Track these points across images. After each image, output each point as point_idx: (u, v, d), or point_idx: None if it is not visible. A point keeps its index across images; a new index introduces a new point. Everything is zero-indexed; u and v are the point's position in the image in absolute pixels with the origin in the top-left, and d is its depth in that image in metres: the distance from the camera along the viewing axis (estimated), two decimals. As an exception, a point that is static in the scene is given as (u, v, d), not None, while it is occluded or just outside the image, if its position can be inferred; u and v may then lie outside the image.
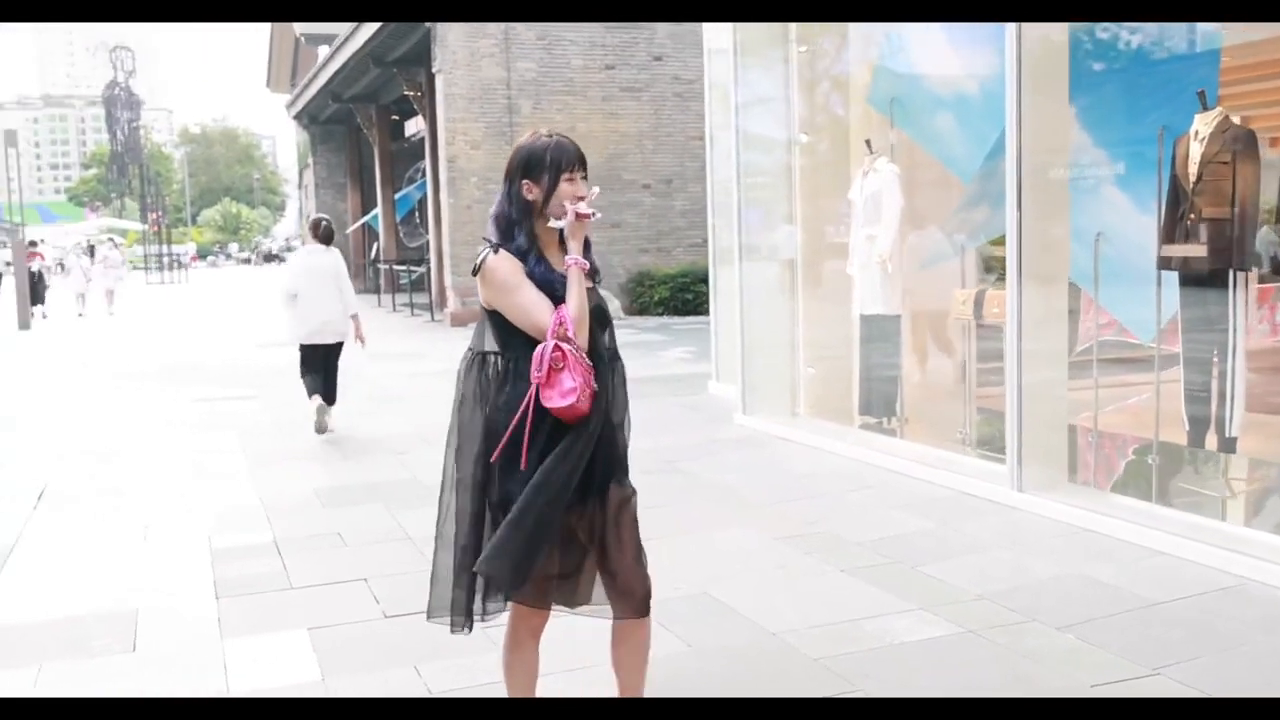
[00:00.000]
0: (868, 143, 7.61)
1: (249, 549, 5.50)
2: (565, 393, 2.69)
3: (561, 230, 2.83)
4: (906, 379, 7.69)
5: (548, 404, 2.70)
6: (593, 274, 2.89)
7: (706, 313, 10.48)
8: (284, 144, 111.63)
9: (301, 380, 8.79)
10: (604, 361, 2.85)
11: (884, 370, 7.79)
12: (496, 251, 2.81)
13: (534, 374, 2.71)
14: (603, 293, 3.03)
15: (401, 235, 27.16)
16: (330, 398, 8.70)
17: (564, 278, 2.79)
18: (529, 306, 2.76)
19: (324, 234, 8.70)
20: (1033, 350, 5.83)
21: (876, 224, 7.49)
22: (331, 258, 8.63)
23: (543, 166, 2.80)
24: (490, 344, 2.84)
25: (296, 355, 8.85)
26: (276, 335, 9.59)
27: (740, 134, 8.55)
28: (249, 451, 8.14)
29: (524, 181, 2.81)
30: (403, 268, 23.92)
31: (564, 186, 2.79)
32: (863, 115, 8.01)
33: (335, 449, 8.17)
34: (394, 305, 23.30)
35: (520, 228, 2.81)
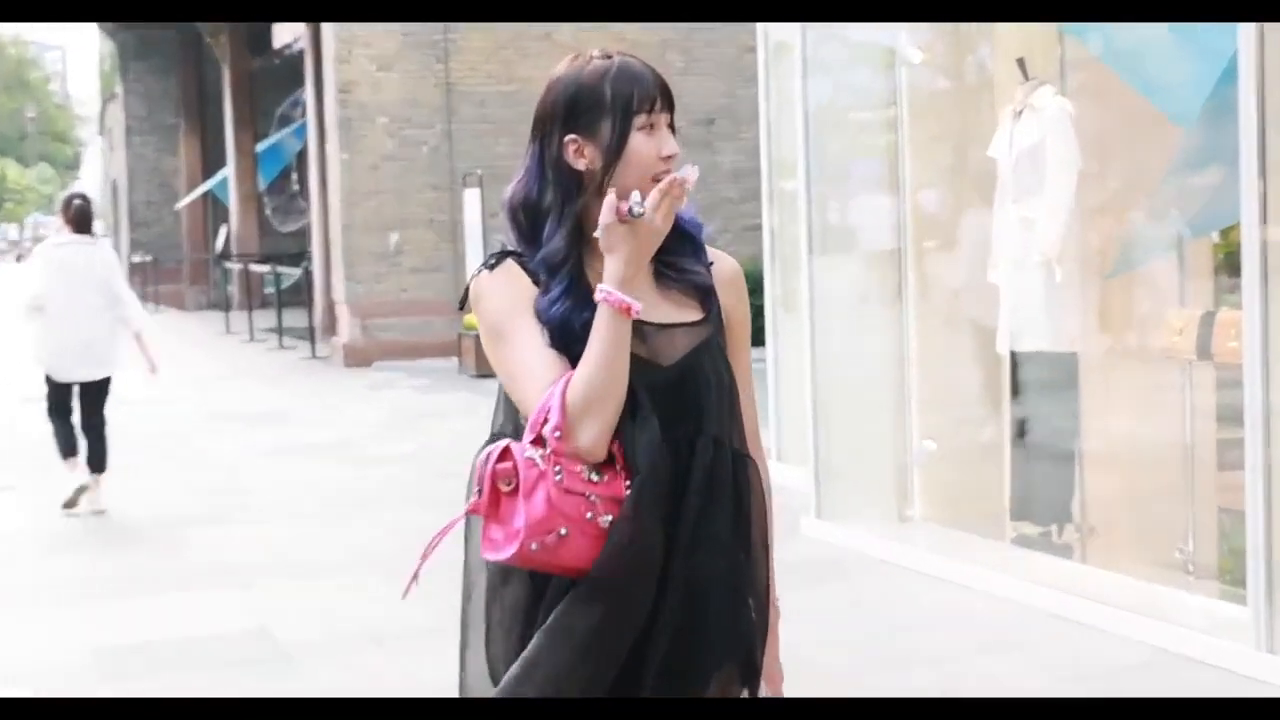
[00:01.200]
0: (1020, 63, 7.64)
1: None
2: (505, 538, 2.55)
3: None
4: (1089, 461, 7.68)
5: (483, 552, 2.62)
6: (703, 297, 2.76)
7: (764, 341, 10.51)
8: (80, 61, 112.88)
9: (51, 429, 9.71)
10: (666, 469, 2.63)
11: (1053, 446, 7.79)
12: (494, 266, 2.72)
13: (470, 497, 2.63)
14: None
15: (269, 212, 27.51)
16: (100, 462, 9.70)
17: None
18: (518, 369, 2.65)
19: (77, 216, 9.69)
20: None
21: (1038, 197, 7.51)
22: (95, 252, 9.69)
23: (600, 108, 2.66)
24: (503, 419, 2.77)
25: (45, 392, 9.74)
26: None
27: (809, 48, 8.62)
28: (-10, 583, 8.22)
29: (567, 139, 2.68)
30: (268, 267, 24.13)
31: (639, 142, 2.66)
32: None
33: (131, 577, 8.22)
34: (251, 331, 23.52)
35: (560, 221, 2.68)
